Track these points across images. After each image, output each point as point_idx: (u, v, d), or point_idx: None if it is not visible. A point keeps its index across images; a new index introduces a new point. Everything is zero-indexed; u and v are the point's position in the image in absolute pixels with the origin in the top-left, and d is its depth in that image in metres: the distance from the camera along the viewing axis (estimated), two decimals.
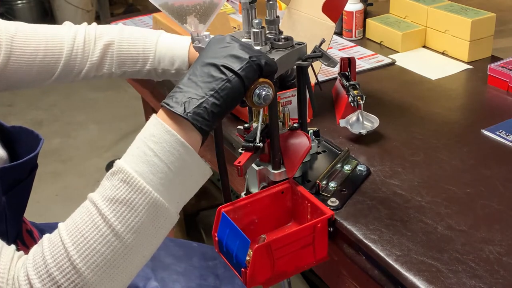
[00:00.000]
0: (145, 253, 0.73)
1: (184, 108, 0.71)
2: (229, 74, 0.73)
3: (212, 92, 0.72)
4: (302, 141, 0.87)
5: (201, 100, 0.72)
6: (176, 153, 0.71)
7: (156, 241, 0.73)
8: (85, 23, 1.14)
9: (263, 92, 0.75)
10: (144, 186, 0.69)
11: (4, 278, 0.67)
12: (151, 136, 0.71)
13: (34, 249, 0.71)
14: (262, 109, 0.83)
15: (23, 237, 0.94)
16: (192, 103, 0.72)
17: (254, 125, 0.91)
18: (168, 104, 0.72)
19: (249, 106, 0.89)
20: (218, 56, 0.75)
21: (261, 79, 0.75)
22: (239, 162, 0.80)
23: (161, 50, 1.11)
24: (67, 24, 1.13)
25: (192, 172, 0.73)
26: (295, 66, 0.87)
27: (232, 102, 0.74)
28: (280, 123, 0.89)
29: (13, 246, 0.72)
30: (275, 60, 0.78)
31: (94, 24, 1.15)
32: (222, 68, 0.73)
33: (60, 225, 0.71)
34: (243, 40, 0.85)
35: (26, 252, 0.73)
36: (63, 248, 0.68)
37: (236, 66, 0.73)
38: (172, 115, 0.72)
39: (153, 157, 0.70)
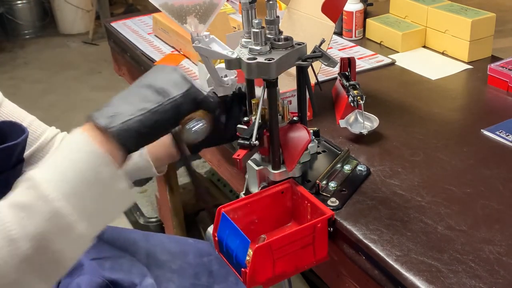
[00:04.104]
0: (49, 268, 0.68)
1: (110, 122, 0.71)
2: (164, 98, 0.73)
3: (142, 112, 0.72)
4: (301, 135, 0.87)
5: (129, 117, 0.71)
6: (91, 163, 0.69)
7: (62, 257, 0.68)
8: (65, 133, 1.12)
9: (196, 126, 0.77)
10: (48, 193, 0.66)
11: None
12: (68, 144, 0.71)
13: None
14: (260, 105, 0.83)
15: None
16: (119, 118, 0.71)
17: (254, 118, 0.90)
18: (93, 116, 0.72)
19: (248, 101, 0.89)
20: (157, 81, 0.75)
21: (200, 112, 0.76)
22: (238, 155, 0.80)
23: None
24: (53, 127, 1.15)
25: (106, 184, 0.71)
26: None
27: (161, 126, 0.74)
28: (280, 117, 0.89)
29: None
30: (275, 60, 0.77)
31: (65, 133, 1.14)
32: (158, 91, 0.73)
33: None
34: (243, 40, 0.85)
35: None
36: None
37: (173, 92, 0.74)
38: (95, 127, 0.71)
39: (67, 166, 0.69)
